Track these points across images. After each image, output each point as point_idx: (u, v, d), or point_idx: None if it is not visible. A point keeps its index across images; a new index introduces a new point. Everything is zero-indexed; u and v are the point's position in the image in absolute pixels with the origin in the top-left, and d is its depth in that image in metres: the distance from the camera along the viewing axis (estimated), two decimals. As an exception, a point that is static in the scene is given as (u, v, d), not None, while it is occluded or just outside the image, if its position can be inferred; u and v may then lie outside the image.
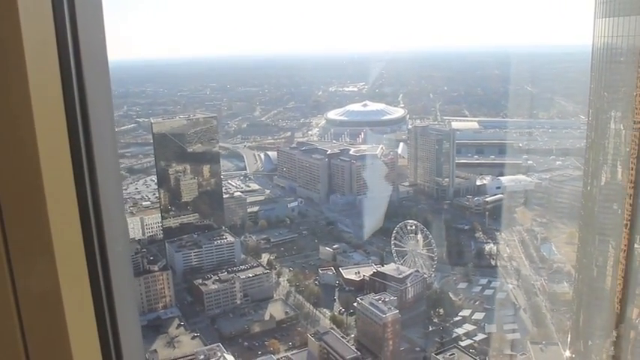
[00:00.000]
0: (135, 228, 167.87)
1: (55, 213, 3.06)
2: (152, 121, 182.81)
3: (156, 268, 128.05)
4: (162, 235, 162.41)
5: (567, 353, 73.80)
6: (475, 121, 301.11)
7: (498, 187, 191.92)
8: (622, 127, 58.23)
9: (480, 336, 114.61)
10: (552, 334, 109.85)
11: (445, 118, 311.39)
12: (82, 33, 3.37)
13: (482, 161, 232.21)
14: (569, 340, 73.90)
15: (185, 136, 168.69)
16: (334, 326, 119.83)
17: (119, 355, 3.70)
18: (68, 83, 3.29)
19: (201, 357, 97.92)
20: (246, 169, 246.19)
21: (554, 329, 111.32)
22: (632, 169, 56.39)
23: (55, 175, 3.15)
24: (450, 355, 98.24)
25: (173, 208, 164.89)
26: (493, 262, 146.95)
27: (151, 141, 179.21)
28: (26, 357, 3.09)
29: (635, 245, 57.24)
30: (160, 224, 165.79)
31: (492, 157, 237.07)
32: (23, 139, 2.92)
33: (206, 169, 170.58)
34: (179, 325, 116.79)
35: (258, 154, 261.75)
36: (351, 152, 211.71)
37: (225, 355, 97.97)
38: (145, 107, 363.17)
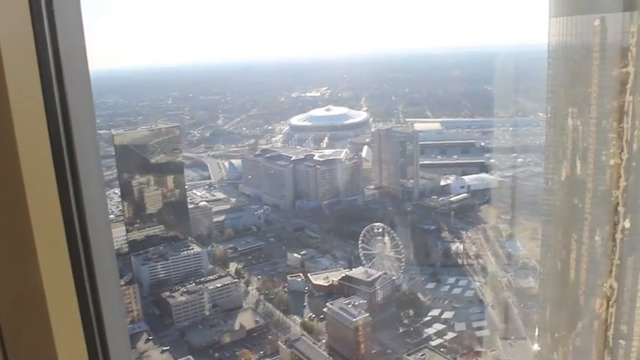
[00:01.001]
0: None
1: (37, 216, 3.03)
2: (113, 132, 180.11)
3: (122, 283, 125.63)
4: (127, 249, 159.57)
5: (535, 347, 74.78)
6: (437, 122, 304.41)
7: (462, 187, 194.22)
8: (579, 123, 59.33)
9: (450, 335, 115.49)
10: (520, 329, 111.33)
11: (408, 120, 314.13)
12: (61, 40, 3.26)
13: (446, 161, 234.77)
14: (536, 333, 74.86)
15: (148, 146, 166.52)
16: (305, 332, 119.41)
17: (106, 356, 3.59)
18: (49, 90, 3.19)
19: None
20: (210, 178, 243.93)
21: (522, 324, 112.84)
22: (590, 164, 57.48)
23: (37, 177, 3.09)
24: (421, 356, 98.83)
25: (138, 221, 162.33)
26: (460, 261, 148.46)
27: (113, 153, 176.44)
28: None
29: (596, 238, 58.35)
30: (124, 237, 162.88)
31: (455, 157, 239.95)
32: (3, 145, 2.92)
33: (170, 179, 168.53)
34: (147, 340, 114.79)
35: (223, 163, 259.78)
36: (315, 157, 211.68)
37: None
38: (105, 119, 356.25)
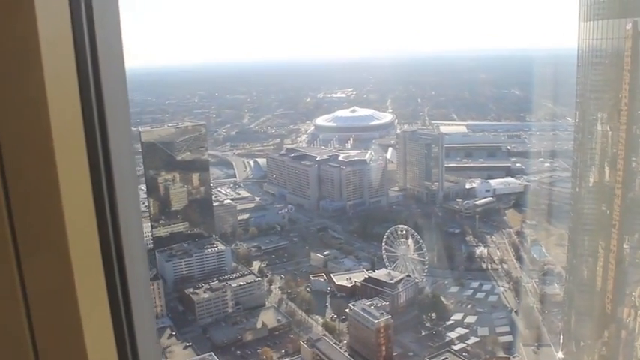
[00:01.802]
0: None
1: (70, 210, 3.03)
2: (140, 130, 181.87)
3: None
4: (152, 245, 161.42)
5: (560, 354, 74.08)
6: (463, 124, 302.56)
7: (488, 190, 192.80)
8: (608, 129, 58.71)
9: (473, 339, 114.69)
10: (544, 336, 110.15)
11: (433, 122, 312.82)
12: (99, 31, 3.33)
13: (471, 165, 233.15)
14: (561, 341, 74.17)
15: (174, 144, 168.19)
16: (327, 332, 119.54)
17: (135, 355, 3.64)
18: (85, 83, 3.27)
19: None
20: (235, 177, 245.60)
21: (546, 330, 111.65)
22: (619, 170, 56.82)
23: (71, 171, 3.12)
24: (443, 359, 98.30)
25: (163, 217, 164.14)
26: (484, 265, 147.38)
27: (140, 150, 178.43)
28: (35, 357, 3.01)
29: (624, 245, 57.65)
30: (149, 233, 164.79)
31: (481, 160, 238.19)
32: (39, 136, 2.92)
33: (195, 177, 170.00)
34: (171, 335, 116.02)
35: (248, 162, 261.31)
36: (340, 158, 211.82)
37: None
38: (133, 116, 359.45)
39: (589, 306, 61.75)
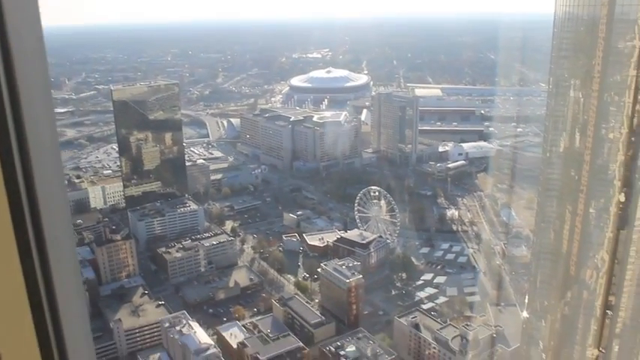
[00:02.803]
0: (96, 197, 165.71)
1: None
2: (112, 88, 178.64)
3: (118, 237, 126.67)
4: (124, 204, 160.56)
5: (524, 314, 76.25)
6: (438, 88, 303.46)
7: (460, 154, 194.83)
8: (580, 96, 59.37)
9: (442, 299, 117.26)
10: (511, 296, 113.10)
11: (409, 85, 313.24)
12: (10, 20, 3.07)
13: (445, 128, 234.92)
14: (526, 301, 76.22)
15: (146, 103, 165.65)
16: (298, 292, 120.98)
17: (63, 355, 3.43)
18: None
19: (166, 325, 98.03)
20: (208, 137, 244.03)
21: (513, 291, 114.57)
22: (589, 137, 57.72)
23: None
24: (412, 318, 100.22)
25: (135, 177, 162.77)
26: (455, 227, 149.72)
27: (111, 108, 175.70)
28: None
29: (590, 210, 58.94)
30: (121, 193, 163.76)
31: (455, 123, 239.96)
32: None
33: (168, 136, 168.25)
34: (143, 294, 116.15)
35: (221, 121, 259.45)
36: (314, 119, 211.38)
37: (190, 322, 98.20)
38: (104, 74, 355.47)
39: (554, 268, 63.43)
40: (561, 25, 61.37)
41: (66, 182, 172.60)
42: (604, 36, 53.82)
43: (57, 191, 3.59)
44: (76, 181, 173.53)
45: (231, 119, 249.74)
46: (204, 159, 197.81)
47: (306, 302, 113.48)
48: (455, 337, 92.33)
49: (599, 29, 54.72)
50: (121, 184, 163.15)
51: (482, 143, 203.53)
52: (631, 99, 51.97)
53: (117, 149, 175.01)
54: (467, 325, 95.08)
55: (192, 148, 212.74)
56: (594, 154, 57.11)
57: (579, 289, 60.03)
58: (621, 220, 54.72)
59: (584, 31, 59.05)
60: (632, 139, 52.93)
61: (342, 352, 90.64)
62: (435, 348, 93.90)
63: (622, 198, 52.72)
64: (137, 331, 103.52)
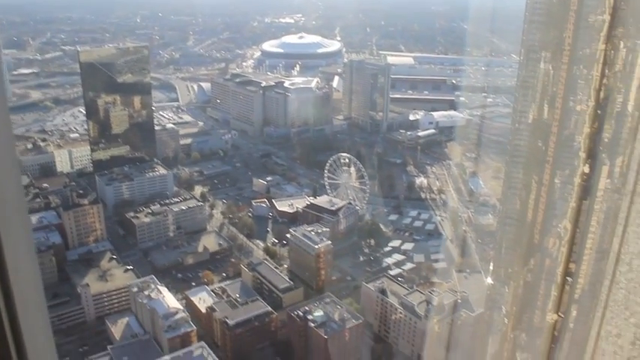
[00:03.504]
0: (62, 161, 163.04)
1: None
2: (79, 49, 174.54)
3: (86, 202, 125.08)
4: (91, 168, 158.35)
5: (489, 280, 78.04)
6: (410, 56, 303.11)
7: (431, 123, 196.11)
8: (550, 68, 60.01)
9: (409, 265, 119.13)
10: (476, 263, 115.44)
11: (381, 52, 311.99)
12: None
13: (416, 97, 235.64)
14: (491, 268, 77.92)
15: (115, 65, 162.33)
16: (267, 257, 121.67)
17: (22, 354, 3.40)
18: None
19: (135, 289, 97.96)
20: (178, 101, 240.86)
21: (479, 258, 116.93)
22: (557, 109, 58.58)
23: None
24: (379, 284, 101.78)
25: (103, 141, 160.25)
26: (423, 195, 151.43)
27: (78, 70, 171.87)
28: None
29: (556, 180, 60.13)
30: (89, 157, 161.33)
31: (426, 92, 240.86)
32: None
33: (137, 100, 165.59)
34: (111, 259, 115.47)
35: (191, 86, 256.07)
36: (285, 85, 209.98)
37: (158, 286, 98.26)
38: (70, 34, 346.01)
39: (519, 236, 64.91)
40: (534, -4, 61.58)
41: (31, 145, 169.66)
42: (575, 9, 54.27)
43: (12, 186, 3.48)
44: (42, 144, 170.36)
45: (202, 83, 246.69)
46: (173, 123, 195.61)
47: (275, 267, 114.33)
48: (421, 302, 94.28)
49: (571, 2, 55.12)
50: (89, 147, 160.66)
51: (452, 112, 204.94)
52: (599, 72, 52.77)
53: (84, 112, 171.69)
54: (433, 290, 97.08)
55: (161, 112, 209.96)
56: (561, 126, 58.11)
57: (542, 257, 61.65)
58: (584, 191, 56.02)
59: (557, 3, 59.45)
60: (598, 112, 53.90)
61: (309, 317, 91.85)
62: (401, 313, 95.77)
63: (586, 169, 53.90)
64: (105, 295, 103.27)
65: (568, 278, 58.49)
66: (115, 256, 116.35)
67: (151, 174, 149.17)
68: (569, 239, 60.70)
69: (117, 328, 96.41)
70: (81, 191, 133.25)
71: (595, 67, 57.86)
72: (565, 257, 59.17)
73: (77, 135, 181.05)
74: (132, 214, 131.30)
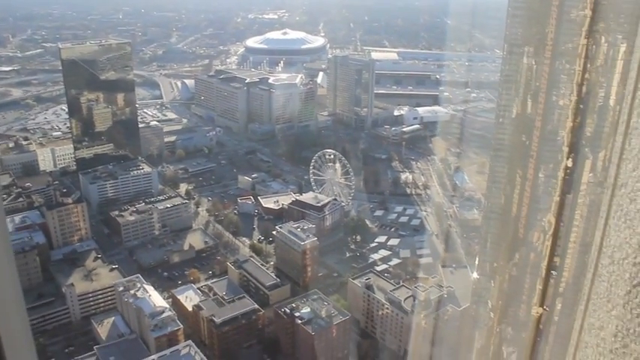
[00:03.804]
0: (46, 160, 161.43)
1: None
2: (60, 46, 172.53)
3: (69, 201, 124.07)
4: (75, 167, 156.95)
5: (475, 275, 78.54)
6: (394, 52, 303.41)
7: (415, 118, 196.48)
8: (534, 62, 60.31)
9: (395, 261, 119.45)
10: (462, 258, 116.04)
11: (365, 48, 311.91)
12: None
13: (401, 92, 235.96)
14: (476, 262, 78.43)
15: (97, 62, 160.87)
16: (254, 254, 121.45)
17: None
18: None
19: (120, 288, 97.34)
20: (162, 98, 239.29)
21: (464, 253, 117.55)
22: (540, 103, 58.91)
23: None
24: (366, 280, 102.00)
25: (86, 139, 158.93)
26: (409, 191, 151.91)
27: (60, 68, 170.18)
28: None
29: (540, 175, 60.56)
30: (72, 155, 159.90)
31: (410, 88, 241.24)
32: None
33: (120, 97, 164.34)
34: (96, 258, 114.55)
35: (175, 82, 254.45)
36: (270, 81, 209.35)
37: (144, 285, 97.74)
38: (51, 31, 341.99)
39: (504, 230, 65.33)
40: (516, -8, 61.87)
41: (12, 144, 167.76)
42: (557, 4, 54.50)
43: None
44: (24, 143, 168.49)
45: (186, 80, 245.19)
46: (157, 121, 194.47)
47: (261, 265, 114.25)
48: (407, 297, 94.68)
49: (553, -4, 55.38)
50: (72, 146, 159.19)
51: (436, 108, 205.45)
52: (581, 67, 53.07)
53: (67, 110, 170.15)
54: (419, 286, 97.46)
55: (145, 110, 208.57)
56: (545, 121, 58.45)
57: (527, 251, 62.08)
58: (568, 185, 56.39)
59: (539, -2, 59.73)
60: (581, 106, 54.33)
61: (296, 314, 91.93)
62: (388, 308, 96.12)
63: (569, 163, 54.23)
64: (90, 295, 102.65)
65: (552, 272, 59.15)
66: (100, 255, 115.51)
67: (135, 172, 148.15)
68: (553, 233, 61.30)
69: (103, 328, 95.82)
70: (65, 190, 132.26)
71: (577, 61, 58.27)
72: (549, 251, 59.84)
73: (60, 133, 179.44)
74: (117, 212, 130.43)
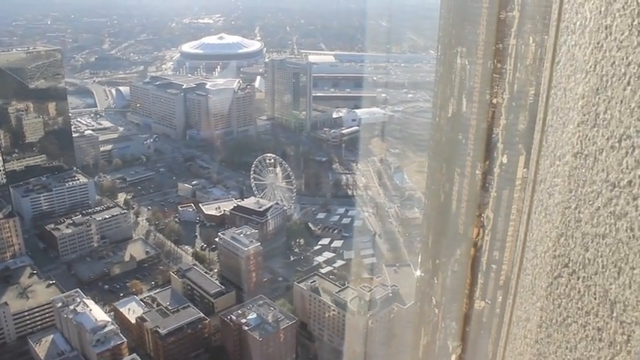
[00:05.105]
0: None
1: None
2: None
3: (0, 215, 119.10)
4: (5, 180, 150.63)
5: (418, 272, 79.88)
6: (331, 54, 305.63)
7: (354, 120, 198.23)
8: (467, 62, 61.93)
9: (339, 262, 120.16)
10: (405, 257, 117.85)
11: (302, 51, 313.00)
12: None
13: (339, 94, 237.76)
14: (419, 260, 79.81)
15: (25, 70, 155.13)
16: (197, 262, 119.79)
17: None
18: None
19: (59, 304, 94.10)
20: (96, 106, 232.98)
21: (406, 252, 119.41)
22: (475, 102, 60.51)
23: None
24: (311, 283, 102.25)
25: (16, 150, 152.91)
26: (350, 192, 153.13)
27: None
28: None
29: (477, 172, 62.17)
30: (1, 168, 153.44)
31: (348, 90, 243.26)
32: None
33: (52, 106, 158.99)
34: (32, 274, 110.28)
35: (109, 90, 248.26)
36: (207, 86, 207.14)
37: (84, 300, 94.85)
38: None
39: (444, 227, 66.77)
40: (448, -6, 63.43)
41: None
42: (487, 6, 56.29)
43: None
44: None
45: (120, 87, 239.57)
46: (92, 129, 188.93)
47: (205, 272, 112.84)
48: (353, 298, 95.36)
49: (483, 0, 57.10)
50: (1, 158, 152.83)
51: (374, 109, 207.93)
52: (512, 66, 55.04)
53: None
54: (364, 286, 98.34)
55: (79, 119, 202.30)
56: (480, 119, 60.10)
57: (467, 247, 63.61)
58: (504, 181, 58.17)
59: (470, 0, 61.43)
60: (513, 104, 56.12)
61: (243, 320, 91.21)
62: (334, 310, 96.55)
63: (505, 160, 56.04)
64: (26, 313, 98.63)
65: (493, 266, 60.73)
66: (35, 271, 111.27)
67: (70, 183, 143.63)
68: (491, 228, 63.06)
69: (41, 347, 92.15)
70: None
71: (508, 61, 60.34)
72: (489, 245, 61.43)
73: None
74: (52, 225, 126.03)
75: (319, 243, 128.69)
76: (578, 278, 3.18)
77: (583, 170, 3.09)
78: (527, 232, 3.87)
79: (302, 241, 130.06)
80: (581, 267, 3.15)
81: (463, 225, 63.59)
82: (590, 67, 2.98)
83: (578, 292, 3.19)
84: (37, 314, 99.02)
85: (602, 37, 2.85)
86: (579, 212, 3.14)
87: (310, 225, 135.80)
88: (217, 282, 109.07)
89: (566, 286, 3.29)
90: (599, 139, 2.90)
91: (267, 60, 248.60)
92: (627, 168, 2.71)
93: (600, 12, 2.80)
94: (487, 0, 56.39)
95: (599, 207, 2.94)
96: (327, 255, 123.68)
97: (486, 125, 58.16)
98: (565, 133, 3.27)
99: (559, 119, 3.38)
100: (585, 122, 3.05)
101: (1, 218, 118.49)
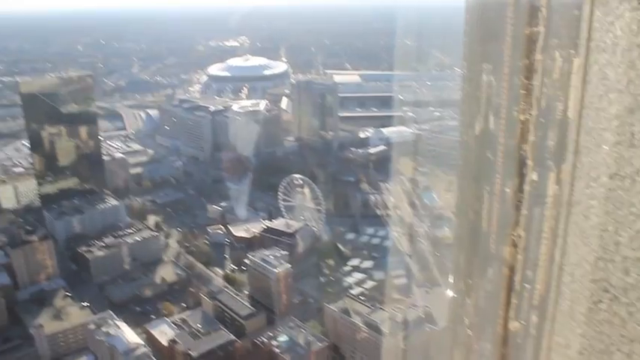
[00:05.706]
0: (7, 197, 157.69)
1: None
2: (19, 80, 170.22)
3: (35, 238, 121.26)
4: (39, 203, 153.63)
5: (449, 293, 79.01)
6: (357, 74, 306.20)
7: (381, 139, 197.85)
8: (493, 79, 61.60)
9: (370, 283, 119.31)
10: (436, 277, 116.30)
11: (327, 71, 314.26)
12: None
13: (365, 114, 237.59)
14: (450, 280, 78.95)
15: (58, 95, 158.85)
16: (227, 284, 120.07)
17: None
18: None
19: (92, 326, 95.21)
20: (126, 129, 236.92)
21: (438, 272, 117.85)
22: (502, 119, 60.03)
23: None
24: (342, 304, 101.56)
25: (50, 173, 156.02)
26: (379, 212, 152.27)
27: (19, 102, 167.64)
28: None
29: (506, 189, 61.42)
30: (36, 191, 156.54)
31: (374, 109, 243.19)
32: None
33: (83, 130, 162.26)
34: (65, 296, 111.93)
35: (139, 113, 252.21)
36: (234, 108, 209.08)
37: (116, 322, 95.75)
38: (8, 65, 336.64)
39: (475, 247, 65.86)
40: (472, 11, 63.52)
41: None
42: (512, 22, 56.00)
43: None
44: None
45: (149, 110, 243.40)
46: (122, 152, 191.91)
47: (236, 294, 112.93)
48: (384, 320, 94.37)
49: (507, 16, 56.94)
50: (35, 181, 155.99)
51: (401, 128, 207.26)
52: (539, 82, 54.56)
53: (28, 145, 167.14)
54: (396, 307, 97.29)
55: (109, 142, 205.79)
56: (508, 136, 59.50)
57: (499, 266, 62.68)
58: (534, 198, 57.47)
59: (494, 17, 61.31)
60: (541, 120, 55.61)
61: (274, 343, 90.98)
62: (365, 332, 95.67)
63: (535, 177, 55.38)
64: (60, 335, 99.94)
65: (526, 285, 60.02)
66: (69, 293, 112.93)
67: (102, 206, 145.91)
68: (524, 247, 62.40)
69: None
70: (29, 227, 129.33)
71: (534, 76, 59.96)
72: (522, 265, 60.83)
73: (22, 169, 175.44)
74: (84, 248, 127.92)
75: (349, 264, 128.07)
76: (620, 304, 3.11)
77: (620, 192, 3.04)
78: (563, 256, 3.84)
79: (332, 262, 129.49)
80: (622, 292, 3.09)
81: (494, 244, 62.99)
82: (624, 86, 2.97)
83: (621, 318, 3.12)
84: (70, 336, 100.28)
85: (635, 56, 2.85)
86: (618, 235, 3.08)
87: (339, 246, 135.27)
88: (248, 304, 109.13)
89: (608, 313, 3.22)
90: (636, 160, 2.92)
91: (293, 81, 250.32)
92: None
93: (632, 30, 2.84)
94: (512, 16, 56.36)
95: (639, 230, 2.94)
96: (358, 276, 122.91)
97: (515, 142, 57.84)
98: (600, 154, 3.23)
99: (592, 140, 3.34)
100: (621, 143, 3.01)
101: (35, 241, 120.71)
